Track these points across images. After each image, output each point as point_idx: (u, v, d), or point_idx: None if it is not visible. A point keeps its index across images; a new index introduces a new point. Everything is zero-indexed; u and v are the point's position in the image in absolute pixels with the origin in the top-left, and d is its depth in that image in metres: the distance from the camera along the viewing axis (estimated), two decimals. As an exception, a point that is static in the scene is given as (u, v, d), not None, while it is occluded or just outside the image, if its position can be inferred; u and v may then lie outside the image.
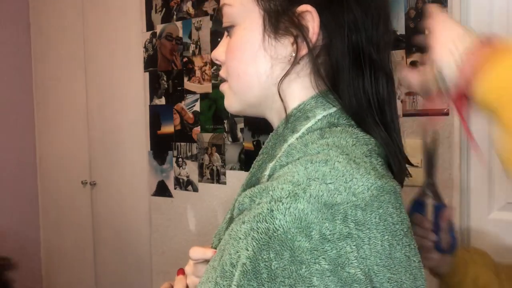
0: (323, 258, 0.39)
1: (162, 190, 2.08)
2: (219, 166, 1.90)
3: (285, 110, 0.53)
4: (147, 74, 2.10)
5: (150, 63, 2.08)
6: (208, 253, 0.58)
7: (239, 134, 1.83)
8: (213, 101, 1.89)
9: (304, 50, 0.50)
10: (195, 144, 1.96)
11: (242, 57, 0.53)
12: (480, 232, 1.34)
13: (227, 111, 0.59)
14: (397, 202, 0.46)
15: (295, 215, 0.39)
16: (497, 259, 0.88)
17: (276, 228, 0.39)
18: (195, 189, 1.97)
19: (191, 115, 1.97)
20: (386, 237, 0.43)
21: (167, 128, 2.05)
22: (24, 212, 2.55)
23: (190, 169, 1.98)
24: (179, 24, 1.97)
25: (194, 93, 1.95)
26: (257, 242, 0.39)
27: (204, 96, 1.92)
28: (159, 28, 2.04)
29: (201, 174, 1.95)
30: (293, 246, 0.39)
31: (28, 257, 2.56)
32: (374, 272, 0.41)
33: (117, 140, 2.25)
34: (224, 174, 1.88)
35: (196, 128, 1.95)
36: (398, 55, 1.45)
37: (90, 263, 2.40)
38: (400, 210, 0.46)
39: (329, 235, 0.39)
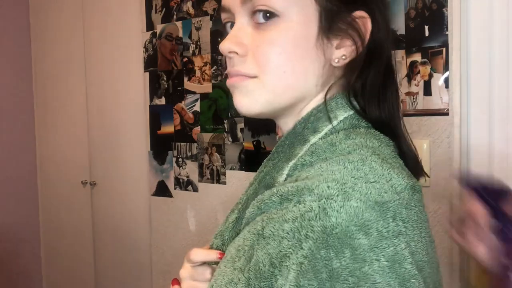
0: (383, 255, 0.38)
1: (162, 190, 2.08)
2: (219, 166, 1.90)
3: (328, 114, 0.51)
4: (147, 74, 2.10)
5: (150, 63, 2.08)
6: (211, 254, 0.54)
7: (239, 134, 1.83)
8: (213, 101, 1.89)
9: (353, 54, 0.50)
10: (195, 144, 1.96)
11: (294, 53, 0.48)
12: (480, 232, 1.34)
13: (241, 112, 0.51)
14: (422, 201, 0.47)
15: (351, 213, 0.39)
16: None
17: (333, 225, 0.38)
18: (195, 189, 1.97)
19: (191, 115, 1.97)
20: (423, 234, 0.44)
21: (167, 128, 2.05)
22: (24, 212, 2.55)
23: (190, 169, 1.98)
24: (179, 24, 1.97)
25: (194, 93, 1.95)
26: (313, 240, 0.38)
27: (204, 96, 1.92)
28: (159, 28, 2.04)
29: (201, 174, 1.95)
30: (353, 244, 0.38)
31: (28, 257, 2.56)
32: (419, 265, 0.42)
33: (117, 140, 2.25)
34: (224, 174, 1.88)
35: (196, 128, 1.95)
36: (398, 55, 1.45)
37: (90, 263, 2.40)
38: (423, 207, 0.47)
39: (385, 232, 0.39)
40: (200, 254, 0.56)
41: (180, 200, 2.02)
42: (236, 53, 0.50)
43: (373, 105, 0.52)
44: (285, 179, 0.48)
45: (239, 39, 0.49)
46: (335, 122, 0.51)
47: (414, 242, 0.41)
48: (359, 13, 0.49)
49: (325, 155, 0.47)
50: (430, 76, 1.39)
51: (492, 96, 1.32)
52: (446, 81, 1.37)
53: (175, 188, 2.04)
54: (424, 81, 1.40)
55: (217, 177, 1.91)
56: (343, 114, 0.52)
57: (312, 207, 0.39)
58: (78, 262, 2.46)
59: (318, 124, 0.51)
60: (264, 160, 0.58)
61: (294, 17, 0.47)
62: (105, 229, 2.33)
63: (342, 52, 0.50)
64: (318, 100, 0.53)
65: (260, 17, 0.48)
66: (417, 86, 1.42)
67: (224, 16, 0.54)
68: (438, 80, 1.38)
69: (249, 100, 0.50)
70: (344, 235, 0.38)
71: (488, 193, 0.75)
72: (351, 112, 0.52)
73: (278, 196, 0.42)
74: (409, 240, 0.41)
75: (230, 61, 0.51)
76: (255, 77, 0.49)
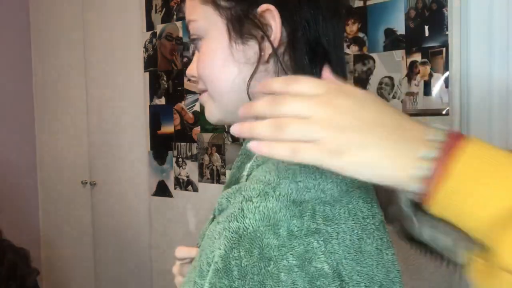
0: (291, 254, 0.40)
1: (162, 190, 2.08)
2: (219, 166, 1.90)
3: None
4: (147, 74, 2.10)
5: (150, 63, 2.08)
6: (193, 252, 0.59)
7: (239, 134, 1.83)
8: (213, 101, 1.89)
9: (269, 49, 0.51)
10: (195, 144, 1.97)
11: (213, 64, 0.54)
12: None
13: (209, 122, 0.59)
14: (368, 197, 0.47)
15: (264, 214, 0.41)
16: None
17: (246, 226, 0.41)
18: (195, 189, 1.97)
19: (191, 115, 1.97)
20: (356, 231, 0.44)
21: (167, 128, 2.05)
22: (24, 212, 2.55)
23: (190, 169, 1.98)
24: (179, 24, 1.97)
25: (194, 93, 1.95)
26: (228, 241, 0.41)
27: (204, 96, 1.92)
28: (159, 28, 2.04)
29: (201, 174, 1.95)
30: (262, 243, 0.40)
31: (28, 257, 2.56)
32: (342, 265, 0.42)
33: (117, 140, 2.25)
34: (224, 174, 1.88)
35: (196, 128, 1.95)
36: (398, 55, 1.45)
37: (90, 263, 2.40)
38: (372, 204, 0.47)
39: (297, 231, 0.41)
40: (182, 251, 0.61)
41: (180, 200, 2.02)
42: (193, 76, 0.58)
43: None
44: (246, 179, 0.50)
45: (193, 64, 0.59)
46: None
47: (336, 240, 0.42)
48: (261, 8, 0.51)
49: None
50: (430, 76, 1.39)
51: (492, 96, 1.33)
52: (446, 81, 1.37)
53: (175, 188, 2.04)
54: (424, 81, 1.40)
55: (217, 177, 1.91)
56: None
57: (234, 209, 0.42)
58: (78, 262, 2.46)
59: None
60: (234, 162, 0.60)
61: (210, 35, 0.54)
62: (105, 229, 2.33)
63: (256, 50, 0.52)
64: None
65: (196, 44, 0.57)
66: (417, 86, 1.42)
67: None
68: (438, 80, 1.38)
69: (207, 110, 0.58)
70: (254, 235, 0.40)
71: None
72: None
73: (225, 199, 0.46)
74: (328, 238, 0.42)
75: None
76: (205, 90, 0.57)
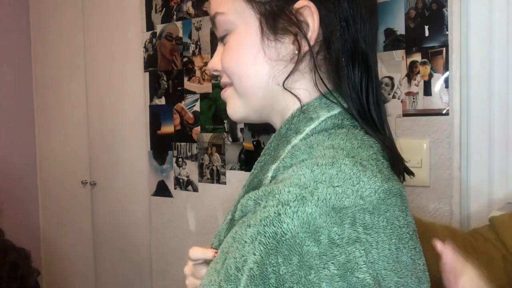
0: (332, 263, 0.38)
1: (162, 190, 2.08)
2: (219, 166, 1.90)
3: (300, 102, 0.52)
4: (147, 74, 2.10)
5: (150, 63, 2.08)
6: (208, 253, 0.57)
7: (239, 134, 1.83)
8: (213, 101, 1.89)
9: (305, 47, 0.49)
10: (195, 144, 1.97)
11: (241, 59, 0.52)
12: (480, 232, 1.34)
13: (231, 118, 0.57)
14: (403, 205, 0.45)
15: (303, 219, 0.39)
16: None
17: (284, 232, 0.38)
18: (195, 189, 1.97)
19: (191, 115, 1.97)
20: (393, 240, 0.42)
21: (167, 128, 2.05)
22: (24, 212, 2.55)
23: (190, 169, 1.98)
24: (179, 24, 1.97)
25: (194, 93, 1.95)
26: (264, 246, 0.39)
27: (204, 96, 1.92)
28: (159, 28, 2.04)
29: (201, 174, 1.95)
30: (301, 251, 0.38)
31: (28, 257, 2.56)
32: (382, 276, 0.40)
33: (117, 140, 2.25)
34: (224, 174, 1.88)
35: (196, 128, 1.95)
36: (398, 55, 1.45)
37: (90, 263, 2.40)
38: (406, 212, 0.45)
39: (338, 239, 0.39)
40: (197, 252, 0.58)
41: (180, 200, 2.02)
42: (216, 70, 0.57)
43: (347, 96, 0.51)
44: (270, 181, 0.48)
45: (217, 57, 0.57)
46: (316, 123, 0.50)
47: (376, 250, 0.40)
48: (299, 4, 0.49)
49: (302, 157, 0.46)
50: (430, 76, 1.39)
51: (492, 96, 1.33)
52: (446, 81, 1.37)
53: (175, 188, 2.04)
54: (424, 81, 1.40)
55: (217, 177, 1.91)
56: (325, 113, 0.51)
57: (270, 213, 0.40)
58: (78, 262, 2.46)
59: (300, 124, 0.51)
60: (255, 162, 0.58)
61: (240, 29, 0.52)
62: (105, 229, 2.33)
63: (293, 47, 0.50)
64: (303, 98, 0.52)
65: (225, 39, 0.55)
66: (417, 86, 1.42)
67: None
68: (438, 80, 1.38)
69: (231, 106, 0.57)
70: (293, 242, 0.38)
71: None
72: (336, 111, 0.51)
73: (252, 200, 0.43)
74: (368, 248, 0.40)
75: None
76: (231, 84, 0.55)
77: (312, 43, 0.49)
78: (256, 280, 0.38)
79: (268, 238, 0.39)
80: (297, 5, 0.49)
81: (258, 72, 0.52)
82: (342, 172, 0.42)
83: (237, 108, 0.56)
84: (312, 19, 0.49)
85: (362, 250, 0.39)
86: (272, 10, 0.50)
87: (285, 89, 0.51)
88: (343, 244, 0.39)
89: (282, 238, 0.38)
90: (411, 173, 0.56)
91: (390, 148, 0.51)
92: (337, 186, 0.41)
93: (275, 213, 0.39)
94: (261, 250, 0.39)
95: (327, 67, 0.51)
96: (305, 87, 0.52)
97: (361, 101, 0.51)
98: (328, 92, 0.51)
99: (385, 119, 0.54)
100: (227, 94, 0.57)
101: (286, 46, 0.50)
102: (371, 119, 0.52)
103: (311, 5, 0.48)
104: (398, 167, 0.53)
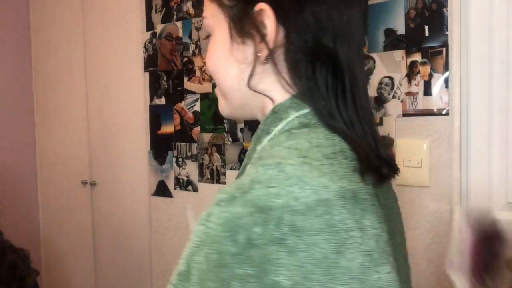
0: (247, 263, 0.38)
1: (162, 190, 2.08)
2: (219, 166, 1.90)
3: (272, 102, 0.53)
4: (147, 74, 2.10)
5: (150, 63, 2.08)
6: None
7: (239, 134, 1.83)
8: (213, 101, 1.89)
9: (264, 50, 0.50)
10: (195, 144, 1.97)
11: (217, 62, 0.55)
12: (480, 232, 1.34)
13: (209, 122, 0.60)
14: (356, 208, 0.42)
15: (226, 219, 0.40)
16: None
17: (208, 231, 0.40)
18: (195, 189, 1.97)
19: (191, 115, 1.97)
20: (332, 244, 0.39)
21: (167, 128, 2.05)
22: (24, 212, 2.55)
23: (190, 169, 1.98)
24: (179, 24, 1.97)
25: (194, 93, 1.95)
26: (192, 244, 0.41)
27: (204, 96, 1.92)
28: (159, 28, 2.04)
29: (201, 174, 1.95)
30: (220, 249, 0.39)
31: (28, 257, 2.56)
32: (309, 280, 0.38)
33: (117, 140, 2.25)
34: (224, 174, 1.88)
35: (196, 128, 1.95)
36: (398, 55, 1.45)
37: (90, 263, 2.40)
38: (361, 215, 0.42)
39: (257, 240, 0.38)
40: None
41: (180, 200, 2.02)
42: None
43: (317, 103, 0.50)
44: None
45: None
46: (284, 123, 0.50)
47: (305, 253, 0.38)
48: (256, 7, 0.50)
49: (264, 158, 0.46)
50: (430, 76, 1.39)
51: (492, 96, 1.33)
52: (446, 81, 1.37)
53: (175, 188, 2.04)
54: (424, 81, 1.40)
55: (217, 177, 1.91)
56: (294, 113, 0.50)
57: (205, 212, 0.42)
58: (78, 262, 2.46)
59: (270, 125, 0.52)
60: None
61: (216, 32, 0.55)
62: (105, 229, 2.33)
63: (252, 50, 0.51)
64: (277, 100, 0.53)
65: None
66: (417, 86, 1.42)
67: None
68: (438, 80, 1.38)
69: (219, 105, 0.61)
70: (214, 240, 0.40)
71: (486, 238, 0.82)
72: (305, 111, 0.50)
73: (215, 200, 0.45)
74: (293, 250, 0.38)
75: None
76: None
77: (271, 45, 0.50)
78: (182, 276, 0.41)
79: (196, 236, 0.41)
80: (255, 8, 0.50)
81: (229, 74, 0.54)
82: (283, 172, 0.41)
83: (222, 106, 0.60)
84: (269, 22, 0.49)
85: (285, 252, 0.38)
86: (238, 14, 0.52)
87: (254, 90, 0.52)
88: (262, 244, 0.38)
89: (205, 237, 0.40)
90: (394, 172, 0.53)
91: (355, 146, 0.48)
92: (272, 187, 0.40)
93: (207, 212, 0.42)
94: (190, 247, 0.41)
95: (288, 68, 0.51)
96: (276, 88, 0.52)
97: (327, 101, 0.50)
98: (302, 92, 0.51)
99: (365, 119, 0.52)
100: (216, 93, 0.61)
101: (250, 49, 0.52)
102: (342, 119, 0.50)
103: (267, 7, 0.49)
104: (368, 166, 0.48)
